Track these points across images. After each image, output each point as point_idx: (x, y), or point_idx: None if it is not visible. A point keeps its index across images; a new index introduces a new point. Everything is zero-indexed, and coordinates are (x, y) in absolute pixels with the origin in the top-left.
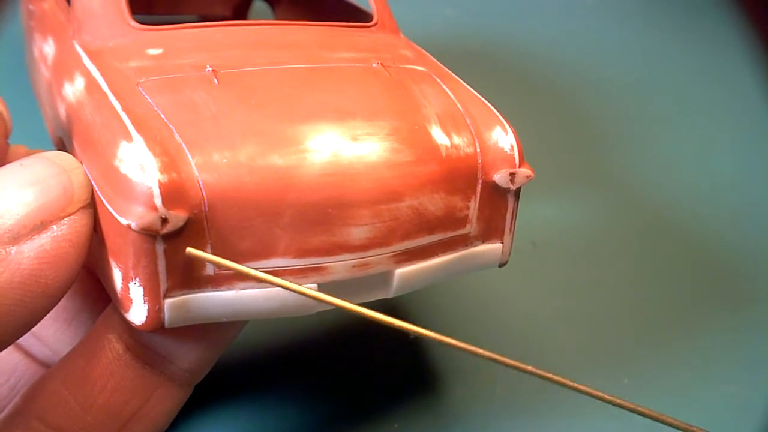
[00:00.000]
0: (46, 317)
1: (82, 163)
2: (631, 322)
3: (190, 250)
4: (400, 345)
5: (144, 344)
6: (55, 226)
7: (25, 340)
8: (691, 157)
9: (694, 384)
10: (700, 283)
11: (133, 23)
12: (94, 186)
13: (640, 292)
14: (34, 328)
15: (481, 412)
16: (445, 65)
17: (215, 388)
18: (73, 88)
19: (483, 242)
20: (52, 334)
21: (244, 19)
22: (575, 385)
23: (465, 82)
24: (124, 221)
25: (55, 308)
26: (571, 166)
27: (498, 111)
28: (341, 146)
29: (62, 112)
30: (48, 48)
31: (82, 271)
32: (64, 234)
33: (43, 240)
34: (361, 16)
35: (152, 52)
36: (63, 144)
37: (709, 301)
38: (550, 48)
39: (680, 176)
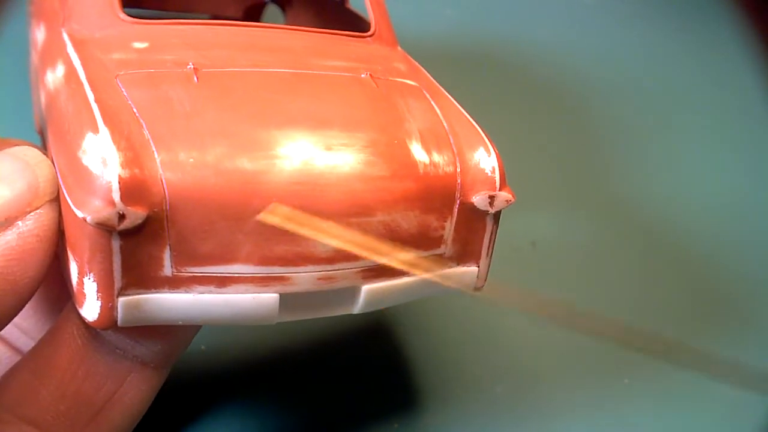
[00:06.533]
0: (27, 308)
1: (52, 153)
2: (631, 321)
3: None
4: (400, 345)
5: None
6: (20, 222)
7: (9, 332)
8: (691, 160)
9: (693, 384)
10: (700, 283)
11: (123, 15)
12: (59, 176)
13: (640, 292)
14: (16, 320)
15: (481, 412)
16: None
17: (215, 388)
18: (54, 76)
19: (458, 264)
20: (33, 325)
21: (257, 21)
22: None
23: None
24: (80, 214)
25: (35, 299)
26: (570, 167)
27: (484, 132)
28: (314, 155)
29: (43, 99)
30: (39, 34)
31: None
32: (30, 229)
33: (9, 237)
34: (364, 27)
35: (137, 45)
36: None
37: (708, 301)
38: (551, 49)
39: (680, 178)
